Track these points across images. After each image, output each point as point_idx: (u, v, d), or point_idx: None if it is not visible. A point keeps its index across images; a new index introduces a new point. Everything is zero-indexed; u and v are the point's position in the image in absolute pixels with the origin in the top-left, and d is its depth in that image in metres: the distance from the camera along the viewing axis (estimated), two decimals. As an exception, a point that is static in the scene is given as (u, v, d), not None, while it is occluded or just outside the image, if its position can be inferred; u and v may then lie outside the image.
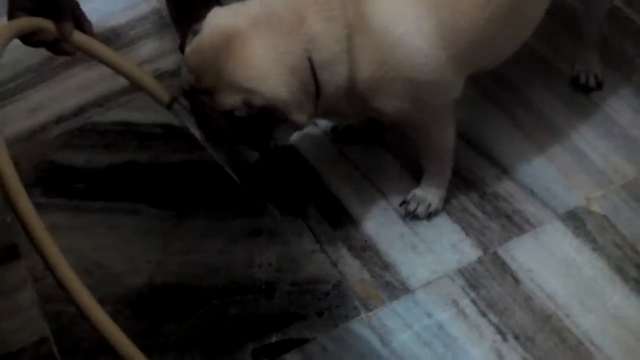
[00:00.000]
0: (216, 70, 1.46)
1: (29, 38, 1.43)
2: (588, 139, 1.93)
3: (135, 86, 1.58)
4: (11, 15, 1.42)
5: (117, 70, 1.56)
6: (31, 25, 1.41)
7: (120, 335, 1.32)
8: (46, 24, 1.43)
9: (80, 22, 1.49)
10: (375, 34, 1.50)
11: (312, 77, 1.49)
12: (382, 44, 1.50)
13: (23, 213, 1.25)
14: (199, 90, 1.49)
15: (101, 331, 1.30)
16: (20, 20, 1.40)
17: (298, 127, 1.55)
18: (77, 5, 1.49)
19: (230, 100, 1.46)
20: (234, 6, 1.52)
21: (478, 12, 1.54)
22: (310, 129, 2.00)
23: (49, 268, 1.27)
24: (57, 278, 1.27)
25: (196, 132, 1.62)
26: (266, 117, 1.48)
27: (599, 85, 2.01)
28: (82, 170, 2.06)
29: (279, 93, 1.46)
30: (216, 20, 1.50)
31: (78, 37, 1.48)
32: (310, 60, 1.47)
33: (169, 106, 1.57)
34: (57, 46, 1.47)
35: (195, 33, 1.51)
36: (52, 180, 2.05)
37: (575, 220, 1.79)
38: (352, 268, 1.79)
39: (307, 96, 1.51)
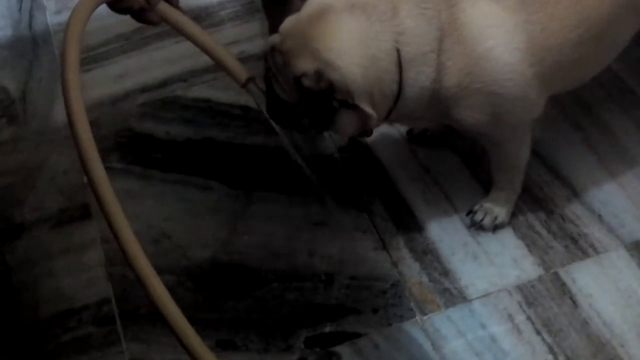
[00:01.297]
0: (301, 35, 1.49)
1: (116, 4, 1.44)
2: (663, 171, 1.92)
3: (214, 61, 1.58)
4: None
5: (197, 44, 1.57)
6: None
7: (173, 306, 1.29)
8: None
9: None
10: (466, 42, 1.51)
11: (396, 73, 1.50)
12: (471, 53, 1.52)
13: (95, 177, 1.28)
14: (279, 50, 1.51)
15: (155, 300, 1.29)
16: None
17: (364, 121, 1.55)
18: None
19: (304, 65, 1.47)
20: None
21: (567, 32, 1.54)
22: (385, 128, 2.02)
23: (114, 232, 1.28)
24: (120, 242, 1.28)
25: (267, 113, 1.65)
26: (332, 97, 1.49)
27: (680, 119, 2.00)
28: (161, 141, 2.11)
29: (353, 72, 1.47)
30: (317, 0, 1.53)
31: (164, 7, 1.49)
32: (398, 52, 1.49)
33: (244, 85, 1.58)
34: (142, 15, 1.48)
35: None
36: (130, 147, 2.10)
37: (640, 250, 1.80)
38: (411, 270, 1.81)
39: (382, 93, 1.52)
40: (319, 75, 1.46)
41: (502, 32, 1.51)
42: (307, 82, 1.47)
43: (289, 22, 1.53)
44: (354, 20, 1.48)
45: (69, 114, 1.28)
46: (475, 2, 1.51)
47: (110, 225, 1.27)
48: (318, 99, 1.49)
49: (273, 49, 1.53)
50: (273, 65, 1.53)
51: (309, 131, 1.90)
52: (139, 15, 1.48)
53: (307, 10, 1.52)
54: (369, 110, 1.52)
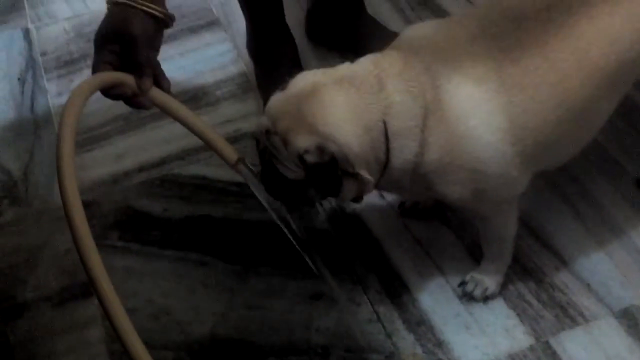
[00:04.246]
0: (295, 113, 1.53)
1: (109, 92, 1.51)
2: (648, 240, 1.97)
3: (205, 143, 1.64)
4: (95, 68, 1.51)
5: (188, 126, 1.63)
6: (114, 79, 1.50)
7: None
8: (127, 79, 1.51)
9: (159, 80, 1.57)
10: (449, 121, 1.56)
11: (384, 143, 1.55)
12: (454, 132, 1.57)
13: (86, 258, 1.28)
14: (274, 132, 1.55)
15: None
16: (103, 74, 1.49)
17: (362, 187, 1.60)
18: (158, 65, 1.58)
19: (304, 142, 1.51)
20: (321, 69, 1.62)
21: (548, 114, 1.59)
22: (377, 202, 2.08)
23: (106, 313, 1.28)
24: (112, 322, 1.28)
25: (258, 193, 1.68)
26: (335, 169, 1.53)
27: (664, 189, 2.05)
28: (159, 218, 2.16)
29: (351, 144, 1.51)
30: (304, 78, 1.59)
31: (155, 93, 1.55)
32: (384, 124, 1.54)
33: (234, 166, 1.63)
34: (134, 100, 1.55)
35: (282, 89, 1.60)
36: (129, 225, 2.15)
37: (629, 318, 1.82)
38: (405, 341, 1.84)
39: (376, 161, 1.57)
40: (320, 149, 1.51)
41: (484, 113, 1.56)
42: (310, 158, 1.52)
43: (276, 103, 1.58)
44: (344, 93, 1.54)
45: (64, 204, 1.31)
46: (458, 85, 1.57)
47: (102, 305, 1.28)
48: (324, 172, 1.53)
49: (267, 132, 1.57)
50: (272, 147, 1.57)
51: (315, 203, 1.96)
52: (131, 100, 1.55)
53: (294, 89, 1.57)
54: (367, 177, 1.56)
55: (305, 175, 1.55)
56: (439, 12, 2.66)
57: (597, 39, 1.60)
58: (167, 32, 1.59)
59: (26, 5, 2.95)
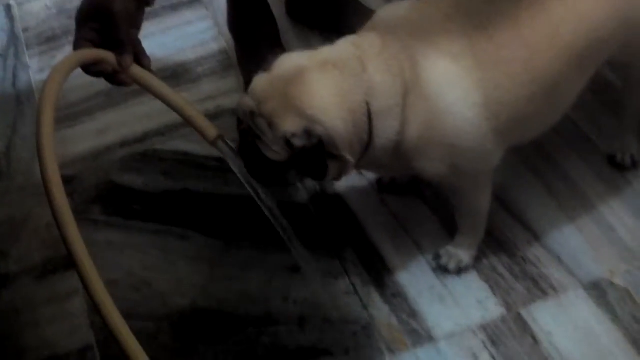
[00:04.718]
0: (281, 96, 1.55)
1: (90, 67, 1.53)
2: (618, 215, 2.01)
3: (184, 120, 1.65)
4: (76, 45, 1.53)
5: (167, 103, 1.64)
6: (94, 56, 1.51)
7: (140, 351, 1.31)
8: (108, 56, 1.53)
9: (140, 57, 1.59)
10: (428, 98, 1.60)
11: (367, 124, 1.58)
12: (433, 108, 1.61)
13: (65, 230, 1.30)
14: (260, 114, 1.57)
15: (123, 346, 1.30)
16: (84, 51, 1.51)
17: (344, 168, 1.63)
18: (139, 42, 1.60)
19: (291, 126, 1.54)
20: (304, 51, 1.65)
21: (521, 89, 1.63)
22: (356, 179, 2.12)
23: (84, 284, 1.30)
24: (90, 294, 1.30)
25: (236, 170, 1.68)
26: (322, 152, 1.55)
27: (634, 165, 2.10)
28: (140, 192, 2.19)
29: (337, 126, 1.55)
30: (288, 60, 1.62)
31: (135, 70, 1.57)
32: (368, 105, 1.58)
33: (213, 143, 1.63)
34: (115, 77, 1.56)
35: (266, 70, 1.62)
36: (111, 199, 2.18)
37: (598, 290, 1.87)
38: (381, 312, 1.89)
39: (359, 142, 1.60)
40: (308, 133, 1.54)
41: (461, 89, 1.61)
42: (298, 142, 1.54)
43: (261, 84, 1.59)
44: (329, 76, 1.57)
45: (44, 179, 1.33)
46: (435, 62, 1.60)
47: (80, 276, 1.31)
48: (311, 155, 1.56)
49: (252, 114, 1.58)
50: (257, 129, 1.58)
51: (295, 183, 2.00)
52: (112, 77, 1.57)
53: (279, 71, 1.60)
54: (350, 158, 1.60)
55: (290, 158, 1.57)
56: (418, -8, 2.69)
57: (567, 17, 1.64)
58: (148, 9, 1.61)
59: (8, -18, 2.96)
